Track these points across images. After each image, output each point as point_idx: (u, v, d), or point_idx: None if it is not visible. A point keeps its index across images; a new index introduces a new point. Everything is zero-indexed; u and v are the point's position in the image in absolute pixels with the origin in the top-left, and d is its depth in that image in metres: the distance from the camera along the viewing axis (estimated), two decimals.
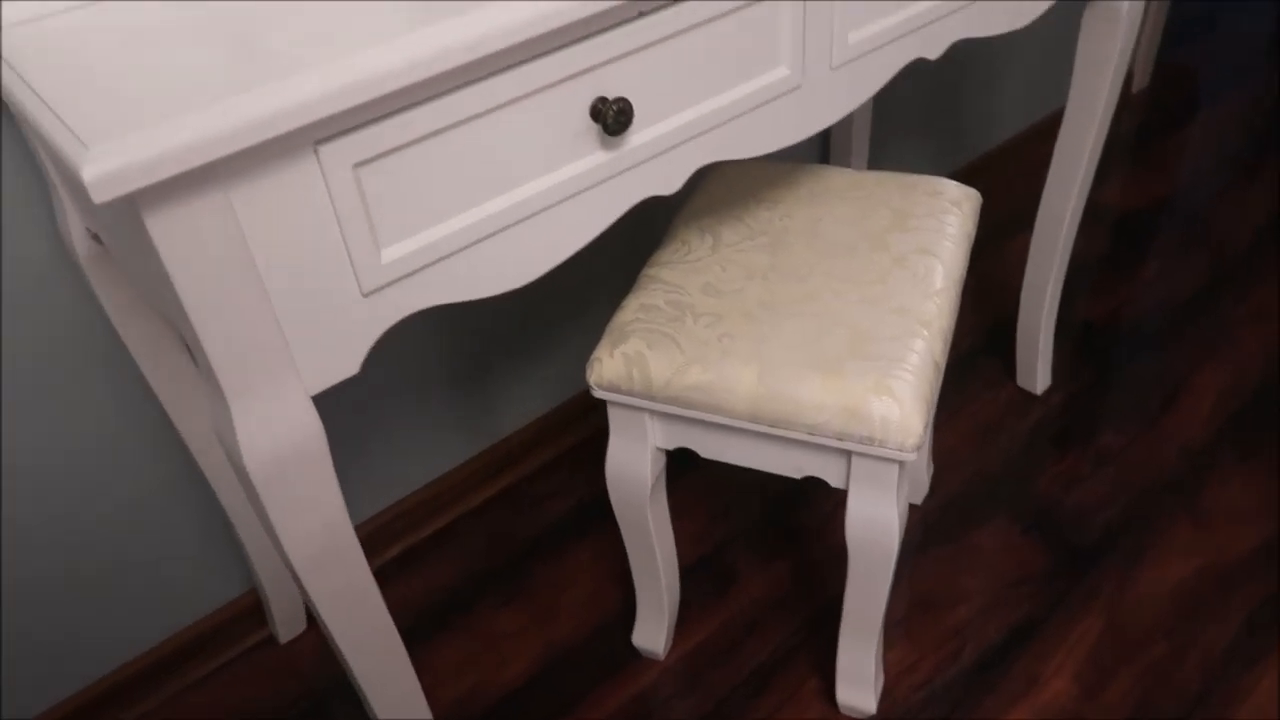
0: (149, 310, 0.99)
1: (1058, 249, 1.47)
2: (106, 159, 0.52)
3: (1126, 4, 1.23)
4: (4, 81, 0.66)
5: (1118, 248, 1.97)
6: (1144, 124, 2.36)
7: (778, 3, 0.84)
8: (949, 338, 1.01)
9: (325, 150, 0.62)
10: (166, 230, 0.58)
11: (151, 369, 1.02)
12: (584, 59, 0.72)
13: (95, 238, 0.92)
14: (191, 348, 0.67)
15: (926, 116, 1.95)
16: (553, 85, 0.72)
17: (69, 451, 1.09)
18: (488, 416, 1.52)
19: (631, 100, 0.77)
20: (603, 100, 0.75)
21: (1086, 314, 1.80)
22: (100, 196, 0.52)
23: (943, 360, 0.99)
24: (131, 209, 0.57)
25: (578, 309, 1.54)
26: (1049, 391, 1.64)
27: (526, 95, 0.71)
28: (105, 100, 0.59)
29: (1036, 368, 1.61)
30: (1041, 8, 1.11)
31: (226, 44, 0.64)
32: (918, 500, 1.46)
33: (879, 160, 1.90)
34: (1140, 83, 2.49)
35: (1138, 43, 2.40)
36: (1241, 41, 2.69)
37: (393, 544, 1.47)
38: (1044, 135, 2.27)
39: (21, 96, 0.63)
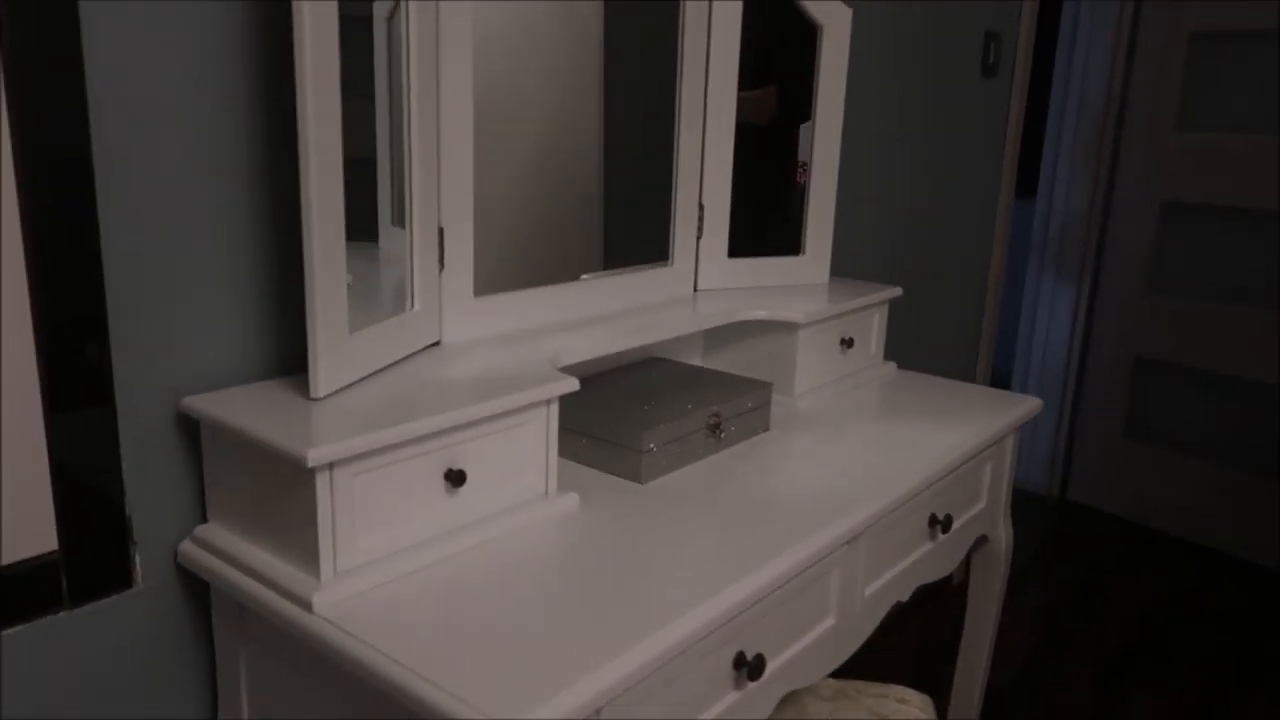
0: None
1: None
2: None
3: (1004, 540, 1.71)
4: (350, 649, 0.89)
5: None
6: None
7: (830, 574, 1.21)
8: None
9: None
10: None
11: None
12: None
13: None
14: None
15: None
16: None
17: None
18: None
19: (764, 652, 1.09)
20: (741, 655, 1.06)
21: None
22: None
23: None
24: None
25: None
26: None
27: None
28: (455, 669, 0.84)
29: None
30: (965, 548, 1.55)
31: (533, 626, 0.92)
32: None
33: None
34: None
35: None
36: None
37: None
38: None
39: (373, 660, 0.87)
